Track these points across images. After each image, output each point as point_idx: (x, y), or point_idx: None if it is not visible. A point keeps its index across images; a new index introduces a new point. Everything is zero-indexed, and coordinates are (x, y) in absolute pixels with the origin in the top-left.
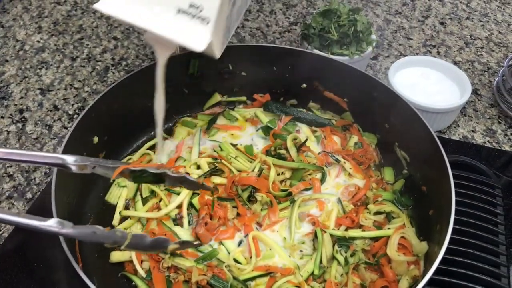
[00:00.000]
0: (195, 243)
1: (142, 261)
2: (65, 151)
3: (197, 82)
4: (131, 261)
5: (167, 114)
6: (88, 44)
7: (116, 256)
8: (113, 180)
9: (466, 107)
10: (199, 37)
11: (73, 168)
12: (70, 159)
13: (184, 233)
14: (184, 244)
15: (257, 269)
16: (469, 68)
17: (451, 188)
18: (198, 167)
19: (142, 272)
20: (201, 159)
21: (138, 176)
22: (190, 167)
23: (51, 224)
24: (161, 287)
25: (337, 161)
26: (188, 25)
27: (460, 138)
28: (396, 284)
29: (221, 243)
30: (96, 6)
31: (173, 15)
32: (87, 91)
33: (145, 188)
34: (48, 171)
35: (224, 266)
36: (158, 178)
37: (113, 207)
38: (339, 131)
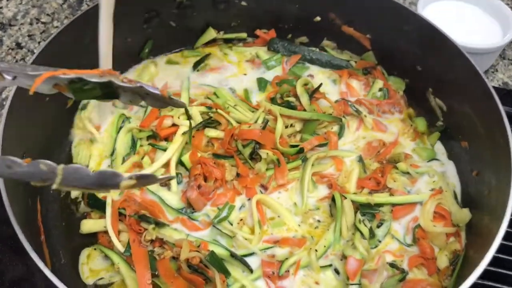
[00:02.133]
0: (160, 176)
1: (119, 232)
2: (17, 94)
3: (186, 13)
4: (106, 232)
5: (149, 51)
6: None
7: (88, 225)
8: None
9: (506, 49)
10: None
11: None
12: None
13: (173, 197)
14: (144, 179)
15: (265, 241)
16: (508, 3)
17: (509, 144)
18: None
19: (119, 246)
20: (192, 107)
21: (79, 89)
22: (179, 117)
23: None
24: (143, 265)
25: (358, 112)
26: None
27: (499, 85)
28: (434, 261)
29: (218, 209)
30: None
31: None
32: (56, 27)
33: (124, 143)
34: None
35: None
36: (108, 91)
37: None
38: (359, 74)
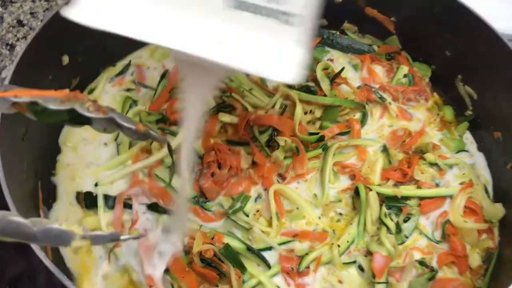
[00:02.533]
0: (123, 237)
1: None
2: (16, 73)
3: None
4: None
5: None
6: None
7: (90, 221)
8: None
9: None
10: (290, 58)
11: None
12: None
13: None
14: (100, 239)
15: (282, 234)
16: None
17: None
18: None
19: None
20: None
21: (42, 112)
22: None
23: None
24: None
25: (382, 99)
26: (262, 35)
27: None
28: (466, 259)
29: (232, 199)
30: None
31: (229, 18)
32: (60, 4)
33: None
34: None
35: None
36: (77, 116)
37: None
38: (382, 60)
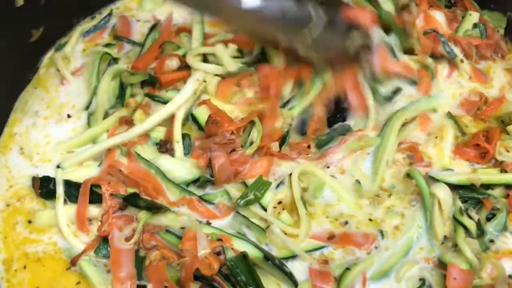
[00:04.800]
0: None
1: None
2: None
3: None
4: None
5: None
6: None
7: (45, 217)
8: None
9: None
10: None
11: None
12: None
13: (179, 166)
14: None
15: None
16: None
17: None
18: (205, 58)
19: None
20: (216, 47)
21: None
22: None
23: None
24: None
25: (450, 55)
26: None
27: None
28: None
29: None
30: None
31: None
32: None
33: (108, 91)
34: None
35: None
36: None
37: None
38: (441, 5)
